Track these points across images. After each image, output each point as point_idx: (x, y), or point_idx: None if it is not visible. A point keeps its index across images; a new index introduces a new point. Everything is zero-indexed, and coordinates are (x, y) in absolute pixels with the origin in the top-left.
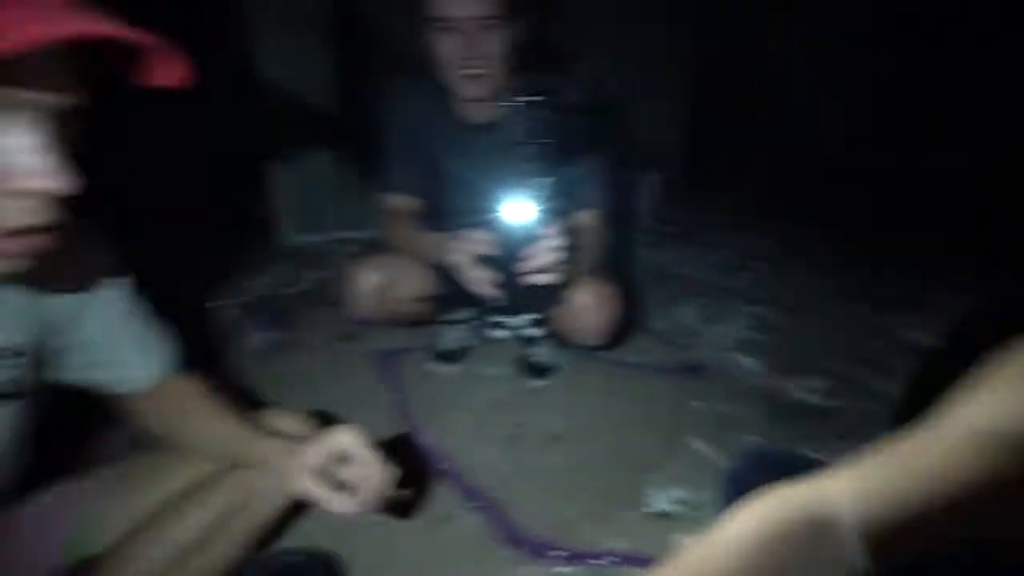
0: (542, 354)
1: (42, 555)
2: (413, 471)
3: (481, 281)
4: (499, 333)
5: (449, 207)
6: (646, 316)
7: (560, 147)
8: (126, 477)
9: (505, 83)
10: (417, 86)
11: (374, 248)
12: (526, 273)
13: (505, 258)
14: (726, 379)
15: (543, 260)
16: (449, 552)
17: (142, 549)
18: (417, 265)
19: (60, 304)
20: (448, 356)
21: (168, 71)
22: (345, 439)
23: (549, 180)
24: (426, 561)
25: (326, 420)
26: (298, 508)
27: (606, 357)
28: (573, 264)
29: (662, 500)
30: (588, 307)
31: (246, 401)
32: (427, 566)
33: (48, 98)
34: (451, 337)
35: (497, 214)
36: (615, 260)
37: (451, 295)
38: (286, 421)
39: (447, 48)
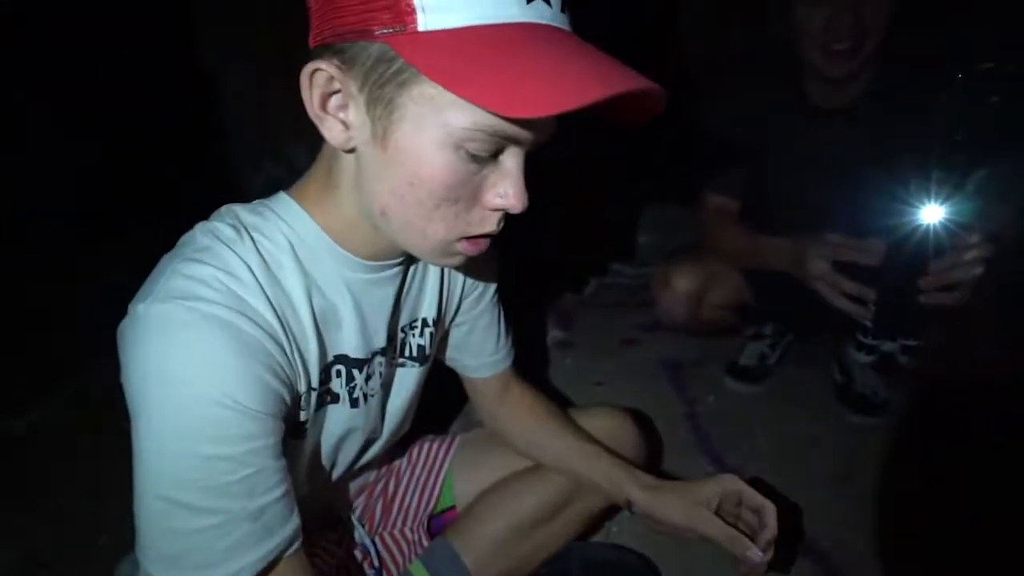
0: (872, 385)
1: (424, 499)
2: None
3: (847, 294)
4: (862, 357)
5: (787, 207)
6: None
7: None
8: (479, 447)
9: (871, 57)
10: (753, 73)
11: (687, 250)
12: (928, 290)
13: (891, 270)
14: None
15: (956, 276)
16: None
17: (493, 511)
18: (732, 271)
19: (463, 291)
20: (747, 373)
21: (642, 108)
22: (738, 484)
23: (979, 175)
24: None
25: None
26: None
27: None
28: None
29: None
30: (983, 340)
31: (550, 395)
32: None
33: (538, 137)
34: (752, 352)
35: (885, 216)
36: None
37: (763, 305)
38: (603, 417)
39: (815, 20)
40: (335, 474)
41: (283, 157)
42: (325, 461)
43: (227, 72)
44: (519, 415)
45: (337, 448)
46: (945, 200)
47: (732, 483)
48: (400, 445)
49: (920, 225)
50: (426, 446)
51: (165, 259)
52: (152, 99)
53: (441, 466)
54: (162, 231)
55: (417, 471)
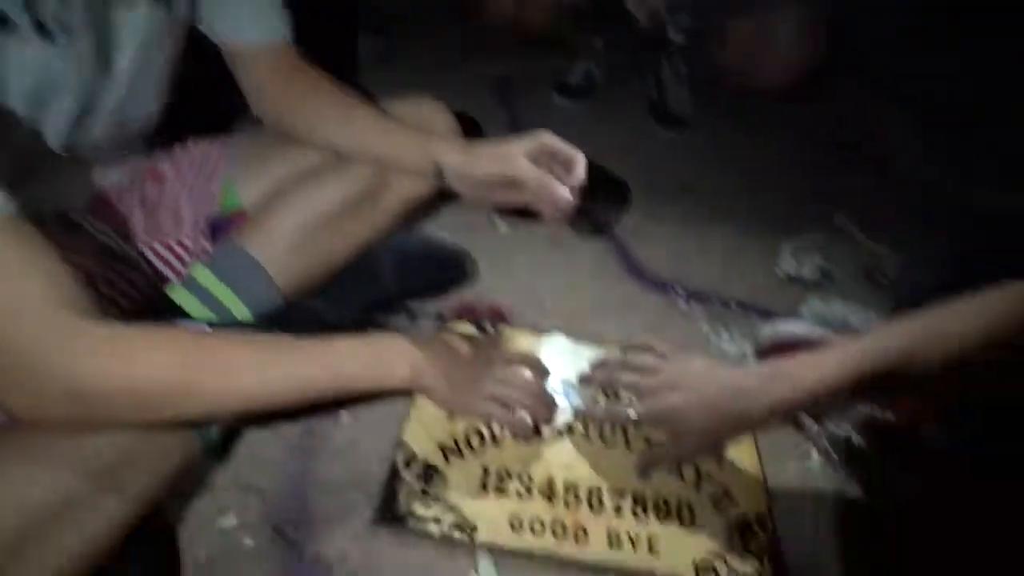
0: (678, 99)
1: (199, 203)
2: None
3: None
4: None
5: None
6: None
7: None
8: (261, 144)
9: None
10: None
11: None
12: None
13: None
14: (895, 169)
15: None
16: (574, 271)
17: (293, 204)
18: None
19: None
20: (574, 90)
21: None
22: (552, 138)
23: None
24: (549, 274)
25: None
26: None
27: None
28: None
29: (796, 265)
30: (784, 38)
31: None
32: (551, 278)
33: None
34: (580, 69)
35: None
36: None
37: (589, 13)
38: (417, 106)
39: None
40: (48, 149)
41: None
42: (24, 124)
43: None
44: (308, 98)
45: (35, 106)
46: None
47: (546, 137)
48: (162, 150)
49: None
50: (195, 147)
51: None
52: None
53: (217, 164)
54: None
55: (185, 173)
